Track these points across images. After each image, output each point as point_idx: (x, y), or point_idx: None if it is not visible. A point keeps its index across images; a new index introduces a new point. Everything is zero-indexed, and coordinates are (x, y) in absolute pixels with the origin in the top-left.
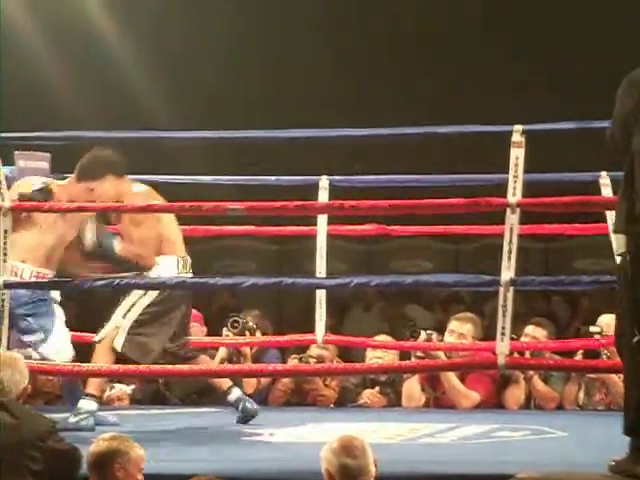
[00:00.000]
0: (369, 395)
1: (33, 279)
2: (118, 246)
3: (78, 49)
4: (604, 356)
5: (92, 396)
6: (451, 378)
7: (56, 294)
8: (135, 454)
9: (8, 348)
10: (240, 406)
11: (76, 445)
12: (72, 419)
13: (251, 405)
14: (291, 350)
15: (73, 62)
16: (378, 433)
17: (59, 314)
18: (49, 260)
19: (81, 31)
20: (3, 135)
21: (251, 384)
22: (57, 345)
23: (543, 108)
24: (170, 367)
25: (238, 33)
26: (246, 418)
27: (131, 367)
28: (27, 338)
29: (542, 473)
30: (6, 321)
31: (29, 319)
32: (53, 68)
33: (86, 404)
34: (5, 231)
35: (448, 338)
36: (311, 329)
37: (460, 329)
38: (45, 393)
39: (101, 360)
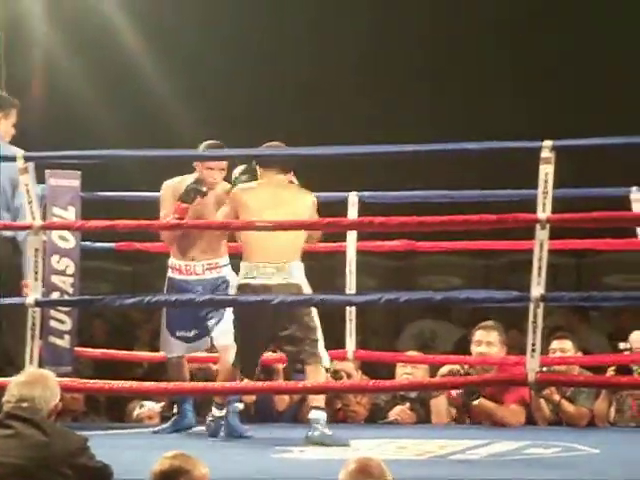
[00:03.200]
0: (399, 412)
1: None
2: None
3: (104, 63)
4: (636, 373)
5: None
6: (486, 405)
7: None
8: (199, 472)
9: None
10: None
11: (108, 463)
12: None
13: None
14: None
15: (98, 77)
16: (408, 450)
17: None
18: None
19: (106, 44)
20: (36, 154)
21: (284, 401)
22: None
23: (569, 124)
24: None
25: (271, 49)
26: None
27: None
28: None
29: None
30: (37, 338)
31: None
32: (79, 84)
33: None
34: (36, 250)
35: (476, 349)
36: (338, 345)
37: (487, 337)
38: (71, 411)
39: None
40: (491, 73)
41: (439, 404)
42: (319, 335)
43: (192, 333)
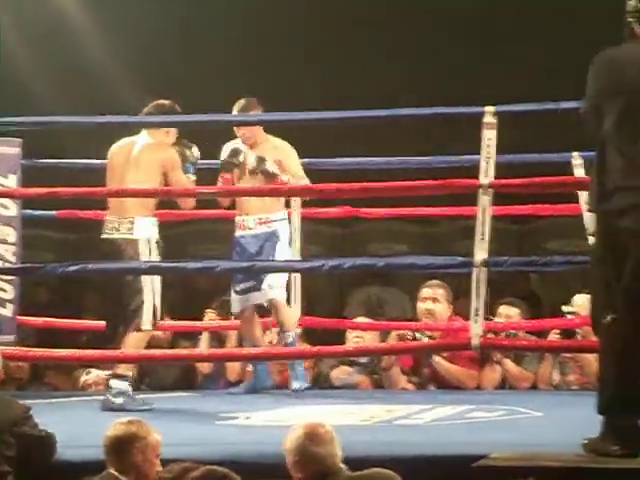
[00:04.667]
0: (339, 372)
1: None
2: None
3: (43, 33)
4: (579, 336)
5: None
6: (443, 363)
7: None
8: (153, 439)
9: None
10: None
11: (51, 431)
12: None
13: None
14: None
15: (37, 45)
16: (354, 415)
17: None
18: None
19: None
20: None
21: (235, 370)
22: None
23: (512, 90)
24: (153, 352)
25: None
26: None
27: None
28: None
29: (516, 453)
30: None
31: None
32: (17, 52)
33: None
34: None
35: (422, 306)
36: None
37: (433, 294)
38: (16, 379)
39: None
40: (428, 40)
41: (394, 374)
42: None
43: (250, 284)
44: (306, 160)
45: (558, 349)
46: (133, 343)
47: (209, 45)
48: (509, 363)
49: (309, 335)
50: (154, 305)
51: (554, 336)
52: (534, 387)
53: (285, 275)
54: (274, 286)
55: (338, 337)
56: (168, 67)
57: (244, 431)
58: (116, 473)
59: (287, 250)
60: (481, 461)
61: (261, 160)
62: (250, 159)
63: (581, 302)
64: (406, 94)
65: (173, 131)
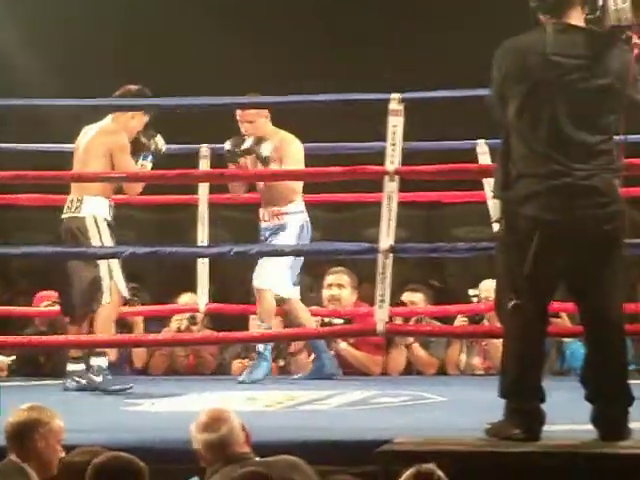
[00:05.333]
0: (238, 364)
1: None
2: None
3: None
4: (486, 321)
5: None
6: (349, 349)
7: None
8: (56, 425)
9: None
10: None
11: None
12: None
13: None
14: None
15: None
16: (258, 401)
17: None
18: None
19: None
20: None
21: (141, 357)
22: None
23: (418, 77)
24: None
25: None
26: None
27: None
28: None
29: (419, 437)
30: None
31: None
32: None
33: None
34: None
35: (327, 292)
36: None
37: (338, 280)
38: None
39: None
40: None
41: (301, 360)
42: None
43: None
44: (217, 145)
45: (463, 334)
46: (100, 320)
47: None
48: (418, 348)
49: (217, 322)
50: (113, 279)
51: (461, 321)
52: (443, 372)
53: (278, 266)
54: (258, 275)
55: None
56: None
57: (149, 417)
58: (18, 460)
59: (292, 241)
60: (385, 446)
61: (258, 141)
62: (248, 142)
63: (488, 287)
64: (313, 81)
65: (139, 116)
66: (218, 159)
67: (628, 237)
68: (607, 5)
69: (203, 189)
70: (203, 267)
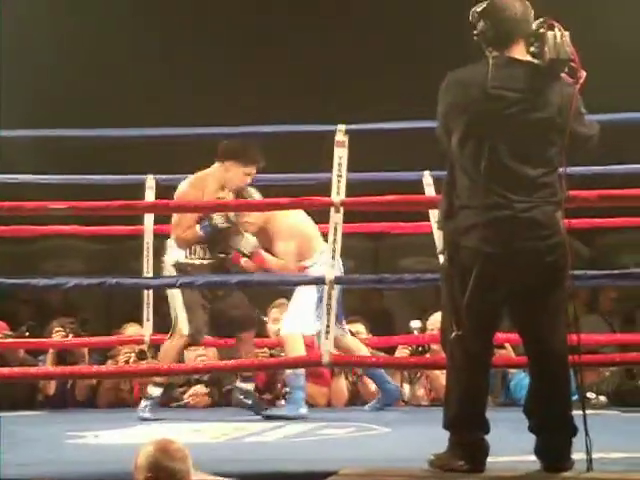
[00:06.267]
0: (193, 393)
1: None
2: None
3: None
4: (429, 353)
5: None
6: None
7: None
8: None
9: None
10: None
11: None
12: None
13: None
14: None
15: None
16: (204, 432)
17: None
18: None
19: None
20: None
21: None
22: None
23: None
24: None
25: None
26: None
27: None
28: None
29: (365, 469)
30: None
31: None
32: None
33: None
34: None
35: (273, 327)
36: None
37: (279, 314)
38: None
39: None
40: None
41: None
42: None
43: None
44: (163, 176)
45: (406, 365)
46: None
47: None
48: (367, 380)
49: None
50: None
51: (403, 352)
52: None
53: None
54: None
55: None
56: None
57: (93, 450)
58: None
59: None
60: (331, 478)
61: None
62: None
63: (435, 319)
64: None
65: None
66: (163, 190)
67: (571, 268)
68: (546, 39)
69: (148, 219)
70: (148, 298)
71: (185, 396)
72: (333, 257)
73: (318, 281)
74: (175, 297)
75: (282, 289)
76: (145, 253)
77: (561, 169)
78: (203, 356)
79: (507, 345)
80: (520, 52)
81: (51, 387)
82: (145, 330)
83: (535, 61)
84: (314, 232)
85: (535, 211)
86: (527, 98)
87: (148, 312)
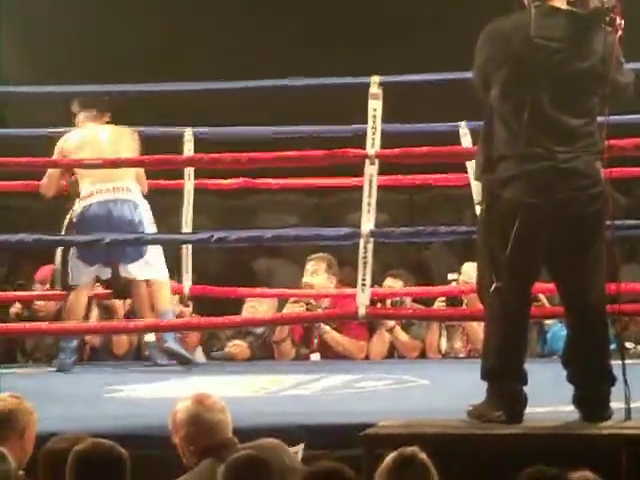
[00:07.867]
0: (234, 345)
1: None
2: None
3: None
4: (464, 304)
5: None
6: (333, 336)
7: None
8: (32, 414)
9: None
10: None
11: None
12: None
13: None
14: None
15: None
16: (243, 386)
17: None
18: None
19: None
20: None
21: (122, 344)
22: None
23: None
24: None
25: None
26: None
27: None
28: None
29: (404, 420)
30: None
31: None
32: None
33: None
34: None
35: (303, 279)
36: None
37: (314, 267)
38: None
39: None
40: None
41: (285, 346)
42: None
43: None
44: (200, 129)
45: (443, 317)
46: None
47: None
48: (399, 331)
49: (200, 307)
50: None
51: (440, 304)
52: (423, 356)
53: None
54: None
55: (228, 309)
56: None
57: (130, 404)
58: None
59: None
60: (368, 430)
61: None
62: None
63: (467, 270)
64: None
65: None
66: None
67: (611, 219)
68: None
69: (187, 174)
70: (187, 251)
71: (228, 344)
72: (368, 211)
73: (353, 235)
74: None
75: None
76: (185, 208)
77: (601, 118)
78: (253, 307)
79: (541, 296)
80: (561, 1)
81: (95, 340)
82: (185, 282)
83: (576, 10)
84: None
85: (576, 161)
86: (570, 47)
87: (187, 265)
